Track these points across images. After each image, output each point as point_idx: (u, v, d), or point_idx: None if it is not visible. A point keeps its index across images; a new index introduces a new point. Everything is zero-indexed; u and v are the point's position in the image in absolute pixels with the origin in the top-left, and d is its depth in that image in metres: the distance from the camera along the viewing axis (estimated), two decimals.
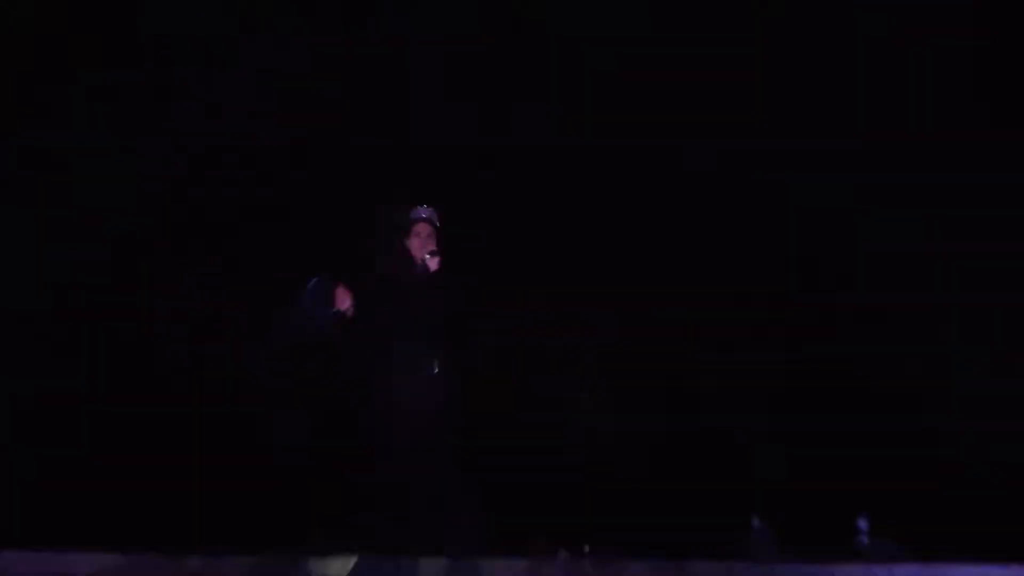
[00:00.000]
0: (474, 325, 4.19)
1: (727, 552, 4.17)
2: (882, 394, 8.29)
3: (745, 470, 5.95)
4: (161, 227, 10.61)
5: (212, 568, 3.71)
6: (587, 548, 4.03)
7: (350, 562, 3.49)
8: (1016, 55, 8.73)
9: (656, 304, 8.98)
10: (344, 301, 3.42)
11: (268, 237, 10.05)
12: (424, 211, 3.94)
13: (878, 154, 9.47)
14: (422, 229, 3.90)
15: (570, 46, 9.30)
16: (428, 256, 3.82)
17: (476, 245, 4.37)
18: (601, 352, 8.29)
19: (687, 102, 9.44)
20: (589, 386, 7.17)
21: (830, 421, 7.49)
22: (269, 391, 4.47)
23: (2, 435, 7.94)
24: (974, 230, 8.73)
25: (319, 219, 9.74)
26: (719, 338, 9.09)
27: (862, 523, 4.48)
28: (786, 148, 9.54)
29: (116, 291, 10.09)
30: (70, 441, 8.47)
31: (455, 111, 8.90)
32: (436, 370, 3.84)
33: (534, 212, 8.29)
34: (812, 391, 8.45)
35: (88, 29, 11.17)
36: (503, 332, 5.63)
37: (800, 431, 7.22)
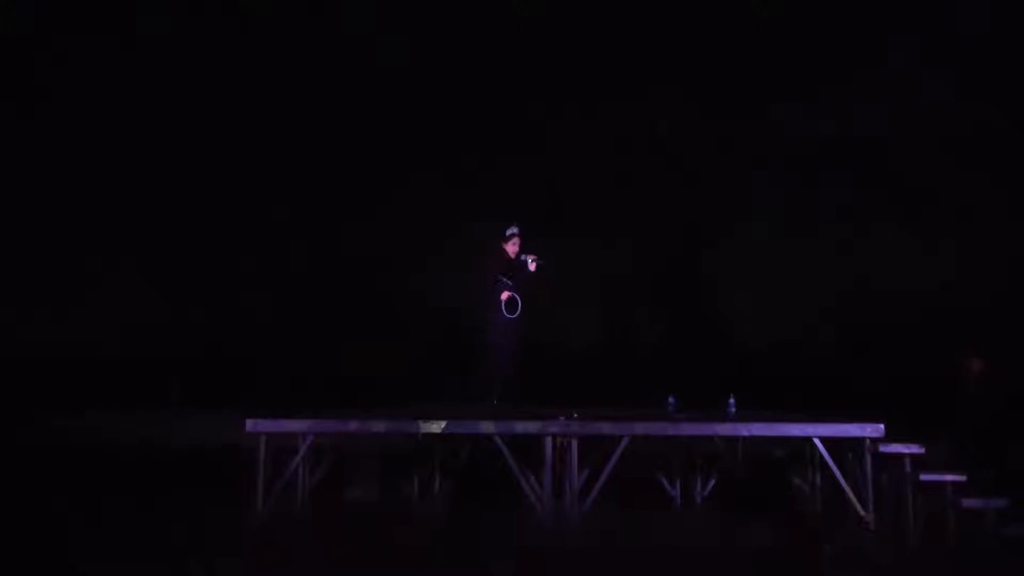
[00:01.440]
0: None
1: (655, 418, 6.83)
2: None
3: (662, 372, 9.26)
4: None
5: (365, 426, 6.30)
6: (575, 415, 6.61)
7: (442, 423, 6.18)
8: None
9: None
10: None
11: None
12: (515, 228, 6.81)
13: None
14: (516, 239, 6.78)
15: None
16: (531, 260, 6.71)
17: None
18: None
19: None
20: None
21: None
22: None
23: None
24: None
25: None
26: None
27: (731, 400, 7.30)
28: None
29: None
30: None
31: None
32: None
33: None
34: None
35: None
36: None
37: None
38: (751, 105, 12.77)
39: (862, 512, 5.91)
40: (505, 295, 6.88)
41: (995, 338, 10.11)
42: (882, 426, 5.95)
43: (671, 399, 7.09)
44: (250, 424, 6.12)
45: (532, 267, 6.96)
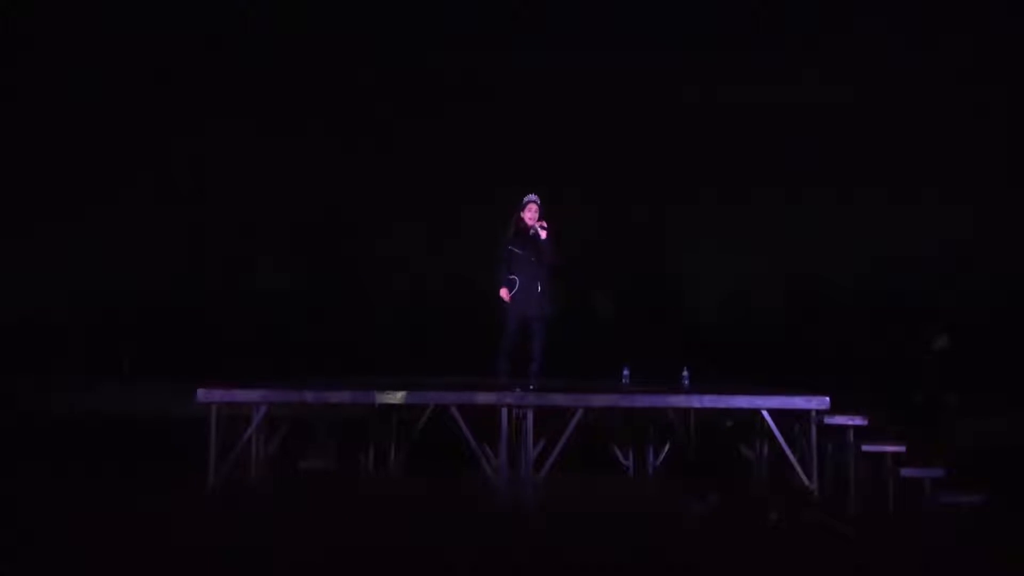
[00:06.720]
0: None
1: (608, 389, 6.91)
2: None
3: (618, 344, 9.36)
4: None
5: (322, 396, 6.26)
6: (531, 386, 6.67)
7: (400, 393, 6.17)
8: None
9: None
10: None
11: None
12: (532, 196, 6.59)
13: None
14: (532, 207, 6.56)
15: None
16: (540, 228, 6.48)
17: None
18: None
19: None
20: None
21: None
22: None
23: None
24: None
25: None
26: None
27: (685, 372, 7.42)
28: None
29: None
30: None
31: None
32: (540, 289, 6.60)
33: None
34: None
35: None
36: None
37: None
38: (709, 71, 12.76)
39: (807, 481, 6.09)
40: (504, 294, 6.77)
41: (940, 313, 10.39)
42: (827, 399, 6.11)
43: (625, 370, 7.16)
44: (201, 394, 6.04)
45: (543, 235, 6.68)
